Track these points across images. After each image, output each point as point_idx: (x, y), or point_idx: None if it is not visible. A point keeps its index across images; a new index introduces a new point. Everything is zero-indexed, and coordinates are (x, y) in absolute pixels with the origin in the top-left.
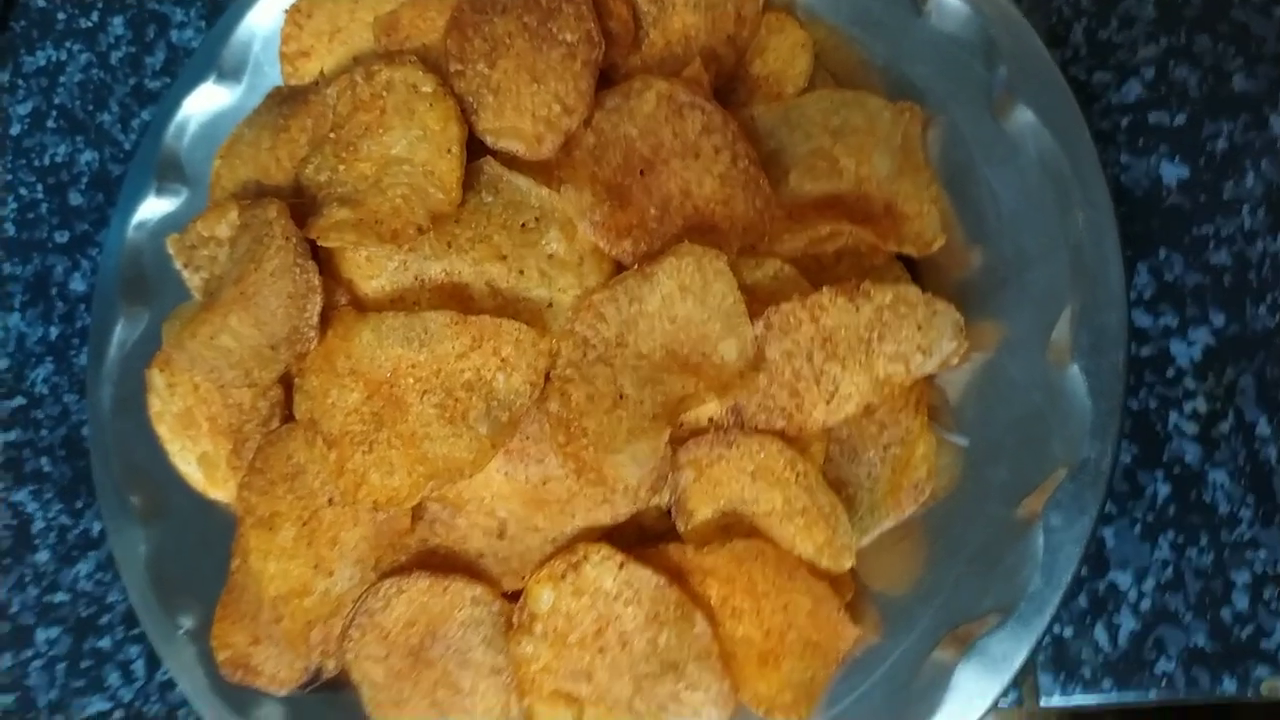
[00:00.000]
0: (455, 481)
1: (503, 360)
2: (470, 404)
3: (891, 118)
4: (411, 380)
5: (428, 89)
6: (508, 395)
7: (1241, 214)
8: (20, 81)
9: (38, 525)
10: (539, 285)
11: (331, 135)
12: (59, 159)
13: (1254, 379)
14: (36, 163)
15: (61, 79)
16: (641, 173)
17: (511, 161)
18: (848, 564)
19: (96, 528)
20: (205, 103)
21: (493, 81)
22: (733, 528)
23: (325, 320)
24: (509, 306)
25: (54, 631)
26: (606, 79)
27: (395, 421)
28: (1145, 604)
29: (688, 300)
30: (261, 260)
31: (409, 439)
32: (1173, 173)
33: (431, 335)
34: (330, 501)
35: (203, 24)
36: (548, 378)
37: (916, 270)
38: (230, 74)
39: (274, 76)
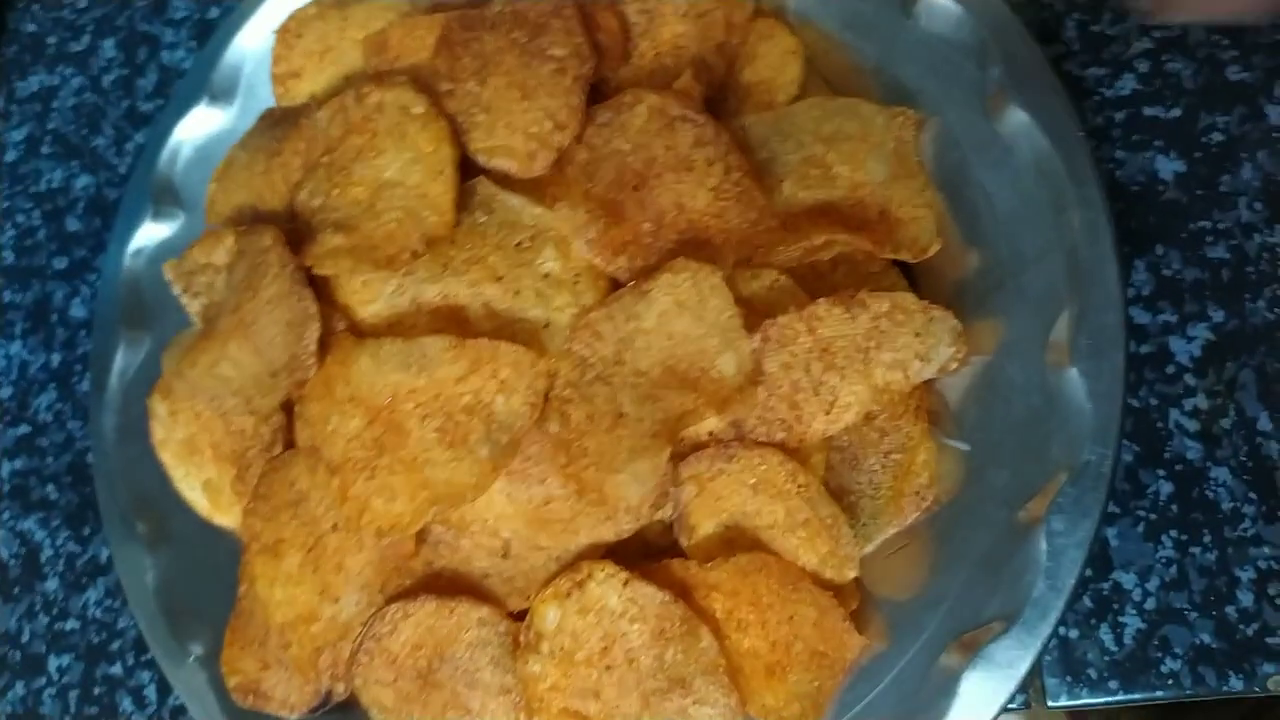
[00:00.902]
0: (458, 506)
1: (501, 383)
2: (470, 427)
3: (885, 123)
4: (411, 405)
5: (419, 110)
6: (507, 417)
7: (1239, 207)
8: (14, 107)
9: (46, 553)
10: (535, 305)
11: (324, 159)
12: (55, 184)
13: (1254, 374)
14: (33, 189)
15: (55, 104)
16: (635, 188)
17: (505, 180)
18: (851, 575)
19: (104, 554)
20: (198, 126)
21: (483, 100)
22: (735, 541)
23: (324, 347)
24: (506, 328)
25: (65, 659)
26: (598, 91)
27: (396, 447)
28: (1150, 603)
29: (684, 316)
30: (258, 288)
31: (410, 464)
32: (1168, 167)
33: (429, 360)
34: (334, 527)
35: (193, 44)
36: (547, 398)
37: (913, 274)
38: (222, 96)
39: (266, 98)
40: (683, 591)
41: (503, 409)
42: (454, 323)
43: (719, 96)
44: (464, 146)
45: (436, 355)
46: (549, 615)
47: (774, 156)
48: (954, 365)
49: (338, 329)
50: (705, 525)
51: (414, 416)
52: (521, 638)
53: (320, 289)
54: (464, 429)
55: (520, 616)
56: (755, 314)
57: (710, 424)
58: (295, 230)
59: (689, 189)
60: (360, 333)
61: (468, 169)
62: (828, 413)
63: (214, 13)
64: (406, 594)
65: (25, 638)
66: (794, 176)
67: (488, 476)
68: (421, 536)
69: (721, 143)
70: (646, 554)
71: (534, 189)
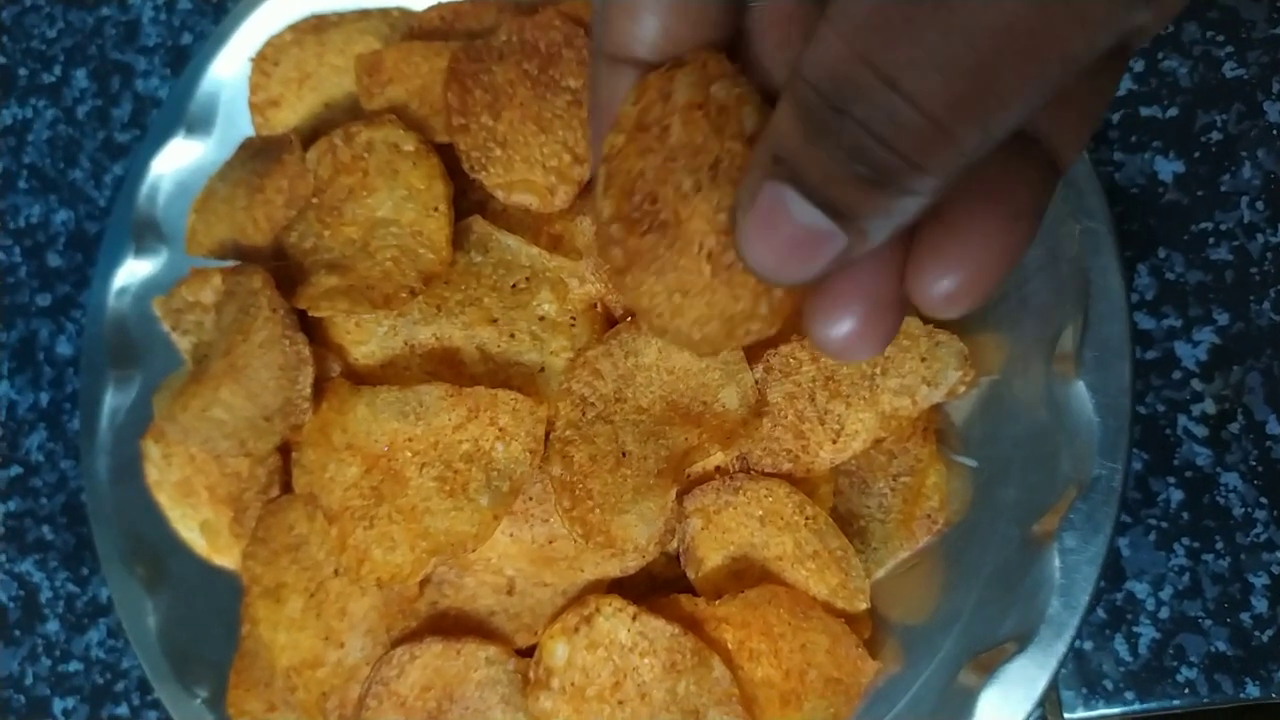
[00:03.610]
0: (458, 555)
1: (500, 430)
2: (470, 475)
3: None
4: (409, 454)
5: (409, 148)
6: (507, 464)
7: (1240, 207)
8: None
9: (45, 595)
10: (530, 349)
11: (314, 200)
12: (34, 220)
13: (1261, 376)
14: (12, 225)
15: (30, 137)
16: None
17: (500, 217)
18: (862, 606)
19: (104, 594)
20: (176, 159)
21: (498, 134)
22: (744, 573)
23: (319, 391)
24: (500, 371)
25: (70, 701)
26: None
27: (395, 496)
28: (1164, 612)
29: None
30: (249, 332)
31: (410, 513)
32: (1168, 168)
33: (427, 408)
34: (336, 572)
35: (167, 72)
36: (547, 440)
37: None
38: (199, 127)
39: (244, 127)
40: (692, 624)
41: (502, 456)
42: (448, 365)
43: None
44: (481, 182)
45: (434, 403)
46: (558, 651)
47: None
48: (962, 389)
49: (332, 371)
50: (713, 558)
51: (412, 465)
52: (531, 674)
53: (313, 330)
54: (463, 477)
55: (528, 653)
56: (756, 344)
57: (716, 458)
58: (283, 269)
59: None
60: (355, 376)
61: (461, 208)
62: (835, 441)
63: (187, 39)
64: (412, 636)
65: (29, 680)
66: None
67: (488, 525)
68: (426, 577)
69: None
70: (653, 586)
71: (535, 228)
